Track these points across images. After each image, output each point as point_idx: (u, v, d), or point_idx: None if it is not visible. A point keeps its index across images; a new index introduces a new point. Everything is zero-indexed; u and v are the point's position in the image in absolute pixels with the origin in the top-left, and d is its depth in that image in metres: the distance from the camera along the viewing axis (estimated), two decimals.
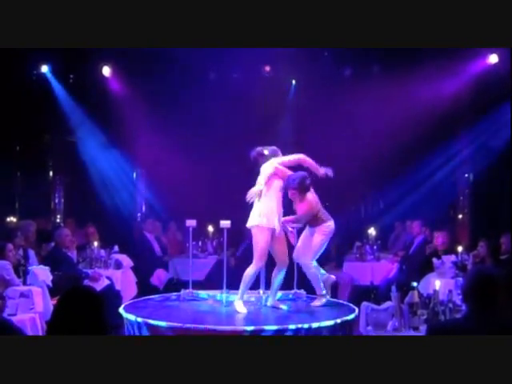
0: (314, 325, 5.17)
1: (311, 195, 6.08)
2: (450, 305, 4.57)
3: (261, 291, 6.42)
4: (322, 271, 6.21)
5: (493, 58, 8.96)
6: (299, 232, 6.25)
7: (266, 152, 6.06)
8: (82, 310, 2.69)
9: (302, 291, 6.57)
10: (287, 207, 6.11)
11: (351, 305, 6.17)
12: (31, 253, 6.90)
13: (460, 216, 10.42)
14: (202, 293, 6.61)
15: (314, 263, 6.11)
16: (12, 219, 9.24)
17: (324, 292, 6.13)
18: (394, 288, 4.73)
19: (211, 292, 6.61)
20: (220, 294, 6.42)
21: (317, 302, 6.10)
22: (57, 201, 10.99)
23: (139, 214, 11.52)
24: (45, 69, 9.79)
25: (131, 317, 5.44)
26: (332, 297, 7.15)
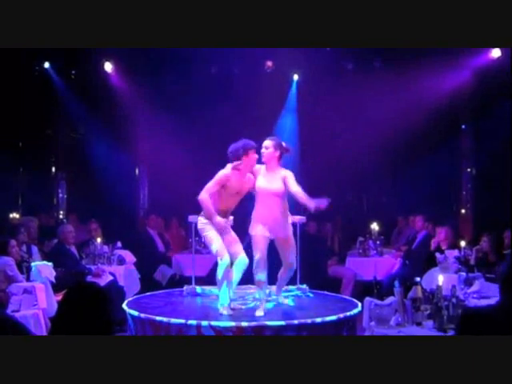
0: (318, 320, 5.18)
1: None
2: (454, 300, 4.57)
3: None
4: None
5: (495, 53, 8.92)
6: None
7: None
8: (86, 305, 2.70)
9: (305, 286, 6.58)
10: None
11: (354, 300, 6.18)
12: (34, 249, 6.91)
13: (463, 211, 10.41)
14: (205, 288, 6.63)
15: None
16: (15, 215, 9.25)
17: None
18: (397, 283, 4.73)
19: (214, 288, 6.62)
20: None
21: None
22: (60, 197, 11.00)
23: (142, 210, 11.52)
24: (47, 65, 9.79)
25: (134, 313, 5.45)
26: (335, 292, 7.17)
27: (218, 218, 5.60)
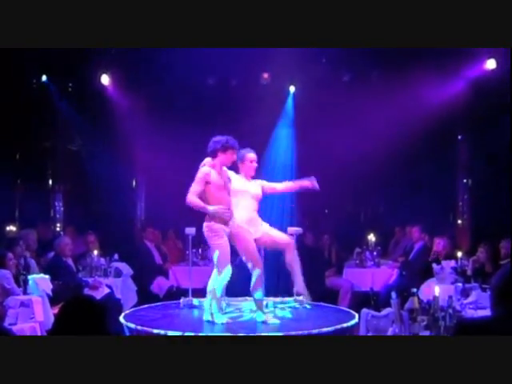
0: (314, 331, 5.17)
1: None
2: (450, 310, 4.58)
3: None
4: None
5: (490, 64, 8.96)
6: None
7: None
8: (83, 319, 2.70)
9: (302, 297, 6.57)
10: None
11: (351, 311, 6.18)
12: (32, 262, 6.89)
13: (459, 221, 10.42)
14: (202, 300, 6.61)
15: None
16: (12, 228, 9.22)
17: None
18: (393, 294, 4.73)
19: None
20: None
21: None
22: (57, 209, 10.99)
23: (139, 222, 11.51)
24: (44, 77, 9.80)
25: (131, 325, 5.44)
26: (332, 303, 7.17)
27: (211, 207, 5.59)
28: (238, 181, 5.98)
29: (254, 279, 5.69)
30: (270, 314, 5.81)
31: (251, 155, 6.05)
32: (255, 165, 6.05)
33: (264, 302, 5.92)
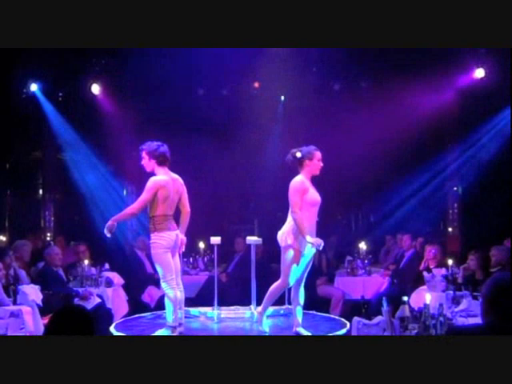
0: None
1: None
2: (441, 318, 4.58)
3: (252, 307, 6.41)
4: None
5: (479, 73, 9.04)
6: None
7: (298, 154, 5.53)
8: (73, 329, 2.69)
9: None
10: None
11: (343, 319, 6.18)
12: (21, 272, 6.85)
13: (450, 229, 10.46)
14: (194, 310, 6.60)
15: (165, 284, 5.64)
16: (2, 238, 9.18)
17: (171, 323, 5.51)
18: (385, 302, 4.74)
19: (203, 309, 6.60)
20: (211, 311, 6.42)
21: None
22: (47, 219, 10.94)
23: (130, 232, 11.46)
24: (34, 87, 9.78)
25: (122, 335, 5.42)
26: (324, 312, 7.17)
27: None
28: (307, 188, 5.46)
29: (273, 287, 5.65)
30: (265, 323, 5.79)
31: (319, 153, 5.59)
32: (321, 164, 5.60)
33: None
